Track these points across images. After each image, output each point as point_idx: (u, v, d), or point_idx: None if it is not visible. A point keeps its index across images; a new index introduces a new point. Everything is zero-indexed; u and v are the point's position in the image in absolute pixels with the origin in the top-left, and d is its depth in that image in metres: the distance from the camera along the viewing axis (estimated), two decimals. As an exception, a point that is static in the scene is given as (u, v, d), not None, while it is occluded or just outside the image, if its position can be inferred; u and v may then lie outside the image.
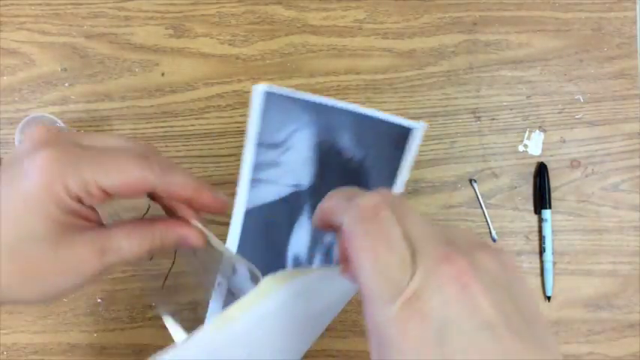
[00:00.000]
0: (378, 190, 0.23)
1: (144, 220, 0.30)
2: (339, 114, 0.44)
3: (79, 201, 0.26)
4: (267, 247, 0.45)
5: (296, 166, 0.45)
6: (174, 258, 0.56)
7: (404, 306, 0.19)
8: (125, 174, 0.26)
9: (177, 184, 0.28)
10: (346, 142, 0.45)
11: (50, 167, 0.25)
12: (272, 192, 0.45)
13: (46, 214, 0.25)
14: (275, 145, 0.44)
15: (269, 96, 0.42)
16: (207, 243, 0.32)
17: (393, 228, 0.21)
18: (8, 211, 0.25)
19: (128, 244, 0.28)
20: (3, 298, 0.26)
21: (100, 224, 0.29)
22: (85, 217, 0.27)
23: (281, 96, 0.43)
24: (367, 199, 0.22)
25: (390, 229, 0.21)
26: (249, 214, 0.45)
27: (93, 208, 0.28)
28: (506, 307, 0.19)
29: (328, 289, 0.34)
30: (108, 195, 0.27)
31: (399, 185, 0.43)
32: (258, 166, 0.44)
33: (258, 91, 0.42)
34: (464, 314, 0.19)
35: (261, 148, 0.44)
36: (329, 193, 0.26)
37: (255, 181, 0.44)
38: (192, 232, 0.30)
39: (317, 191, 0.45)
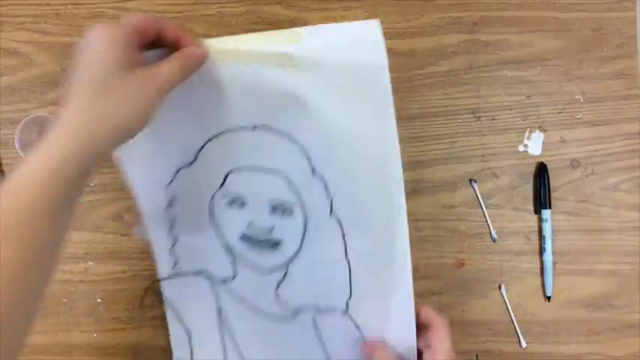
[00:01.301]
0: None
1: (175, 51, 0.42)
2: None
3: (130, 45, 0.38)
4: None
5: None
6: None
7: None
8: (145, 17, 0.40)
9: (173, 27, 0.42)
10: None
11: (105, 28, 0.38)
12: None
13: (114, 55, 0.37)
14: None
15: None
16: None
17: None
18: (93, 61, 0.37)
19: (168, 68, 0.40)
20: (116, 130, 0.37)
21: None
22: (137, 58, 0.39)
23: None
24: None
25: None
26: None
27: (141, 56, 0.40)
28: None
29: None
30: (142, 32, 0.40)
31: None
32: None
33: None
34: None
35: None
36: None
37: None
38: (201, 48, 0.43)
39: None
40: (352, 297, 0.51)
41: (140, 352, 0.60)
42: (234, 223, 0.52)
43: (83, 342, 0.60)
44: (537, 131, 0.61)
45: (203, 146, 0.50)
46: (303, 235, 0.51)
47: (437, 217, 0.60)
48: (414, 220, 0.60)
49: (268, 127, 0.48)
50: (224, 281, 0.55)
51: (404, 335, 0.49)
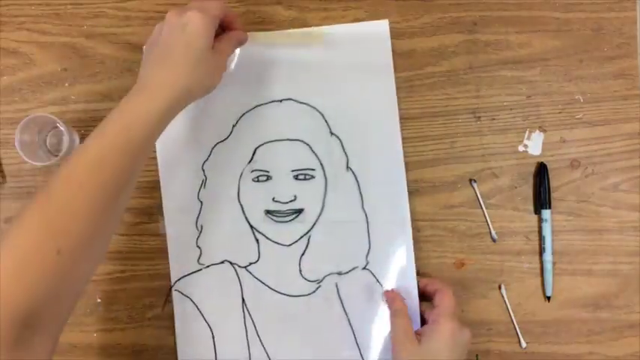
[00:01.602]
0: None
1: (228, 33, 0.54)
2: None
3: (214, 29, 0.50)
4: None
5: None
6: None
7: None
8: (223, 7, 0.52)
9: (232, 13, 0.55)
10: None
11: (202, 15, 0.49)
12: None
13: (207, 39, 0.49)
14: None
15: None
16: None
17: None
18: (192, 40, 0.48)
19: (227, 45, 0.53)
20: (194, 93, 0.50)
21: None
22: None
23: None
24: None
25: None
26: None
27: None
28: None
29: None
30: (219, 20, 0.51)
31: None
32: None
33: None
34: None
35: None
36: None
37: None
38: (245, 33, 0.57)
39: None
40: (371, 250, 0.58)
41: (140, 352, 0.60)
42: (259, 199, 0.59)
43: (83, 342, 0.60)
44: (537, 131, 0.61)
45: (237, 121, 0.59)
46: (324, 195, 0.58)
47: (437, 217, 0.60)
48: (414, 220, 0.60)
49: (292, 99, 0.59)
50: (248, 266, 0.58)
51: (407, 288, 0.58)
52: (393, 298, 0.56)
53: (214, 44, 0.51)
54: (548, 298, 0.59)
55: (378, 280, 0.58)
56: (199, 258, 0.59)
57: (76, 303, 0.45)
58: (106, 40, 0.61)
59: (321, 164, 0.59)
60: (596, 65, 0.61)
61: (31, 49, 0.61)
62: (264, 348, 0.58)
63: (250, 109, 0.59)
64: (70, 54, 0.61)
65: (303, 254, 0.58)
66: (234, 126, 0.59)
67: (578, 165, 0.60)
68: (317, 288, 0.58)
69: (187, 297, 0.59)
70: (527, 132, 0.61)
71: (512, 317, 0.60)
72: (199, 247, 0.59)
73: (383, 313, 0.58)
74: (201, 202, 0.59)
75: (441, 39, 0.61)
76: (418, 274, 0.58)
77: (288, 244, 0.58)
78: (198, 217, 0.59)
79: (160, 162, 0.59)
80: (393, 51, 0.60)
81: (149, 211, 0.60)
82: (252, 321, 0.58)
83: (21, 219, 0.42)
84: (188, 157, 0.59)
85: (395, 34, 0.60)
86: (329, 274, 0.58)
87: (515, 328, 0.60)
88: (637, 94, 0.61)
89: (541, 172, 0.60)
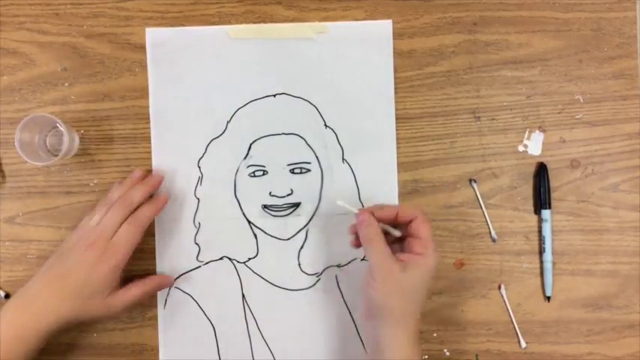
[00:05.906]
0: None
1: (140, 279, 0.56)
2: None
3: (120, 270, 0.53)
4: None
5: None
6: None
7: None
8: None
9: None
10: None
11: (111, 257, 0.52)
12: None
13: (108, 288, 0.52)
14: None
15: None
16: None
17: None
18: (92, 278, 0.51)
19: (131, 295, 0.54)
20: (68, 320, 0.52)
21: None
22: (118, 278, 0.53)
23: None
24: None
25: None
26: None
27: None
28: None
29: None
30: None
31: None
32: None
33: None
34: None
35: None
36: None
37: None
38: (164, 280, 0.58)
39: None
40: None
41: (140, 352, 0.60)
42: (256, 194, 0.59)
43: (83, 342, 0.60)
44: (537, 131, 0.61)
45: (232, 117, 0.59)
46: (321, 188, 0.59)
47: (437, 217, 0.60)
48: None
49: (286, 94, 0.60)
50: (247, 262, 0.59)
51: None
52: (368, 223, 0.50)
53: (124, 293, 0.53)
54: (548, 298, 0.60)
55: None
56: (198, 255, 0.59)
57: None
58: (106, 40, 0.61)
59: (317, 157, 0.59)
60: (596, 65, 0.61)
61: (31, 49, 0.61)
62: (266, 342, 0.58)
63: (244, 105, 0.60)
64: (70, 54, 0.61)
65: (301, 248, 0.59)
66: (228, 122, 0.59)
67: (578, 165, 0.60)
68: (317, 281, 0.59)
69: (187, 294, 0.59)
70: (527, 132, 0.61)
71: (512, 317, 0.60)
72: (198, 244, 0.59)
73: None
74: (198, 199, 0.59)
75: (441, 39, 0.61)
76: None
77: (286, 238, 0.59)
78: (195, 214, 0.59)
79: (155, 159, 0.59)
80: (393, 51, 0.60)
81: (149, 211, 0.60)
82: (253, 316, 0.59)
83: None
84: (183, 154, 0.59)
85: (395, 34, 0.60)
86: (328, 267, 0.59)
87: (515, 328, 0.60)
88: (637, 94, 0.61)
89: (541, 172, 0.60)
